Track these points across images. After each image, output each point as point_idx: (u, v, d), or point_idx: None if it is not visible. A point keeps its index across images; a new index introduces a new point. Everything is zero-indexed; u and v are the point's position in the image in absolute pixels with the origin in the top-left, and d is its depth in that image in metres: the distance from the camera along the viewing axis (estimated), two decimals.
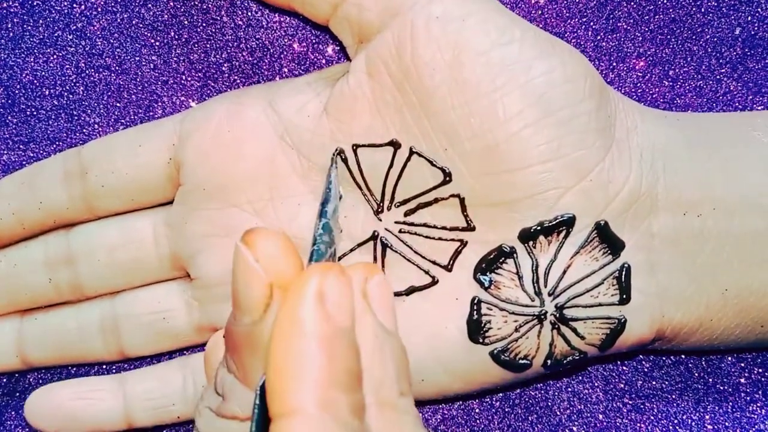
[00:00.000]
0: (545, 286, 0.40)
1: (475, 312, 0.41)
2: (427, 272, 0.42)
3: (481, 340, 0.41)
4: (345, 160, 0.42)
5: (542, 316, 0.41)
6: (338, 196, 0.40)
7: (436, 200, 0.41)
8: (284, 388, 0.28)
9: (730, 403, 0.47)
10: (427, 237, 0.42)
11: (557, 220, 0.39)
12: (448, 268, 0.42)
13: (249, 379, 0.33)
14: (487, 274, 0.41)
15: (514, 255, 0.40)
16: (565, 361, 0.42)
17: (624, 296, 0.40)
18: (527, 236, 0.40)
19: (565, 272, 0.40)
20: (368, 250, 0.43)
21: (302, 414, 0.28)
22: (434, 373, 0.42)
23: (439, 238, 0.42)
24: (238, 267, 0.32)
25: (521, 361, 0.41)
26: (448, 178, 0.40)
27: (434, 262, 0.42)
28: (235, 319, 0.32)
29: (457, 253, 0.41)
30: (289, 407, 0.28)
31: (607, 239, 0.40)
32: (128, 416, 0.45)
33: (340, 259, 0.43)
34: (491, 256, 0.41)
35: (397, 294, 0.42)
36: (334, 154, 0.42)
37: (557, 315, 0.41)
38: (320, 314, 0.29)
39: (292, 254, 0.32)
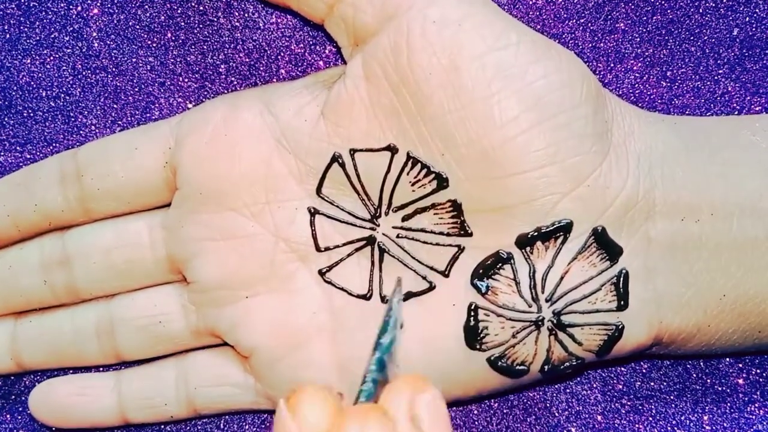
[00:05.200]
0: (542, 292, 0.40)
1: (472, 318, 0.41)
2: (424, 278, 0.42)
3: (478, 347, 0.41)
4: (342, 165, 0.41)
5: (539, 323, 0.41)
6: (399, 325, 0.36)
7: (433, 205, 0.41)
8: None
9: (728, 404, 0.47)
10: (424, 242, 0.42)
11: (554, 226, 0.39)
12: (446, 273, 0.42)
13: None
14: (484, 279, 0.41)
15: (512, 261, 0.40)
16: (562, 367, 0.42)
17: (622, 302, 0.40)
18: (524, 242, 0.40)
19: (562, 278, 0.40)
20: (366, 255, 0.43)
21: None
22: (431, 379, 0.42)
23: (437, 244, 0.42)
24: (277, 428, 0.31)
25: (518, 367, 0.41)
26: (445, 184, 0.40)
27: (431, 268, 0.42)
28: None
29: (454, 258, 0.41)
30: None
31: (605, 245, 0.40)
32: (123, 413, 0.46)
33: (337, 263, 0.43)
34: (488, 262, 0.41)
35: None
36: (397, 283, 0.40)
37: (554, 321, 0.41)
38: None
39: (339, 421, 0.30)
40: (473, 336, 0.41)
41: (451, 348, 0.41)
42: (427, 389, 0.31)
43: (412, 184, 0.41)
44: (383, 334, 0.34)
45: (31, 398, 0.46)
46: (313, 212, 0.43)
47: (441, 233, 0.41)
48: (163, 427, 0.48)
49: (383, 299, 0.42)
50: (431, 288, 0.42)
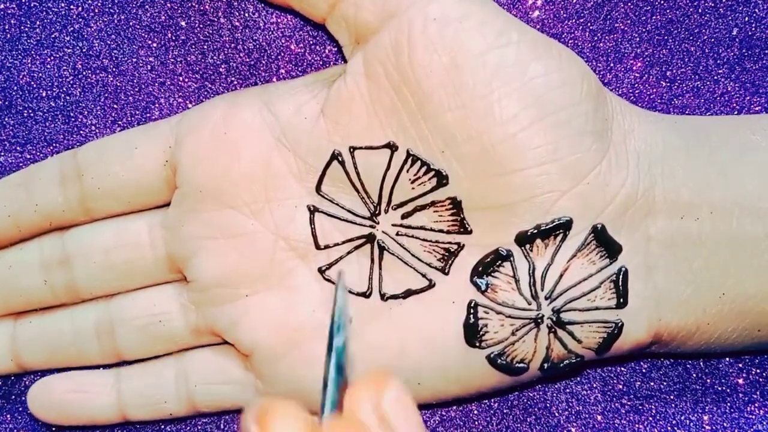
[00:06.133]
0: (542, 290, 0.40)
1: (471, 315, 0.41)
2: (423, 275, 0.42)
3: (477, 344, 0.41)
4: (342, 163, 0.42)
5: (539, 320, 0.41)
6: (348, 321, 0.34)
7: (432, 203, 0.41)
8: None
9: (728, 404, 0.47)
10: (424, 240, 0.42)
11: (554, 223, 0.39)
12: (445, 271, 0.42)
13: None
14: (484, 277, 0.41)
15: (511, 258, 0.40)
16: (562, 365, 0.42)
17: (621, 300, 0.40)
18: (524, 239, 0.40)
19: (562, 276, 0.40)
20: (365, 253, 0.43)
21: None
22: (431, 377, 0.42)
23: (436, 241, 0.42)
24: None
25: (518, 365, 0.41)
26: (444, 181, 0.40)
27: (431, 266, 0.42)
28: None
29: (453, 256, 0.41)
30: None
31: (605, 242, 0.40)
32: (122, 411, 0.46)
33: (336, 261, 0.43)
34: (488, 260, 0.41)
35: (394, 297, 0.42)
36: (339, 277, 0.35)
37: (554, 318, 0.41)
38: None
39: None
40: (473, 333, 0.41)
41: (450, 346, 0.41)
42: (389, 385, 0.30)
43: (412, 182, 0.41)
44: (335, 336, 0.33)
45: (30, 395, 0.46)
46: (313, 210, 0.43)
47: (440, 231, 0.41)
48: (162, 426, 0.48)
49: (383, 297, 0.42)
50: (431, 286, 0.42)
